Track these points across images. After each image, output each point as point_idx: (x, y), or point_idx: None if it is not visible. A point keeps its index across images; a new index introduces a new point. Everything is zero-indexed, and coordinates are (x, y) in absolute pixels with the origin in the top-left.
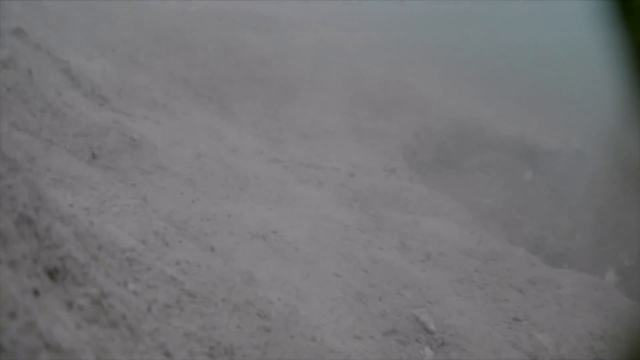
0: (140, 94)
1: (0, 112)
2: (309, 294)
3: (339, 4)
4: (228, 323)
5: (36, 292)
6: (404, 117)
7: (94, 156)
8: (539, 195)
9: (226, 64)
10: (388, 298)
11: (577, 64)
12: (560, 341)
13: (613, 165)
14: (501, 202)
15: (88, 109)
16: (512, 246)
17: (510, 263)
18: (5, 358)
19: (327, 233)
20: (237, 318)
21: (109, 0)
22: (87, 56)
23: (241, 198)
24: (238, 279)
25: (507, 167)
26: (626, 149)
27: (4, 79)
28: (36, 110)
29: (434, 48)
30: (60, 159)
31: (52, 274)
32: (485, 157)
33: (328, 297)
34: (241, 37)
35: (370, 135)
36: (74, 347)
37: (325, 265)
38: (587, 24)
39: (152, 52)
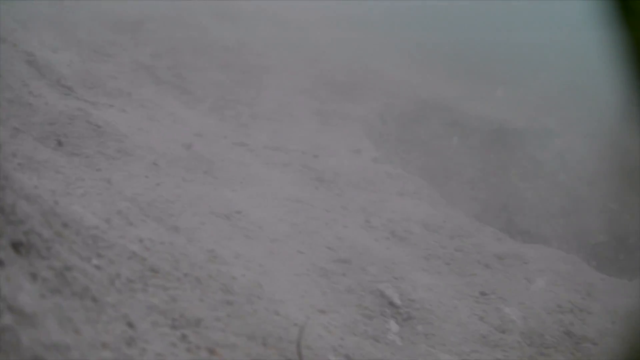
0: (105, 83)
1: None
2: (273, 271)
3: (318, 3)
4: (191, 296)
5: (1, 263)
6: (369, 99)
7: (59, 143)
8: (507, 173)
9: (190, 53)
10: (353, 274)
11: (547, 45)
12: (529, 314)
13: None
14: (468, 180)
15: (54, 98)
16: (479, 223)
17: (477, 239)
18: None
19: (292, 213)
20: (200, 292)
21: None
22: (52, 48)
23: (206, 181)
24: (201, 256)
25: (474, 146)
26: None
27: None
28: (3, 100)
29: (400, 33)
30: (27, 146)
31: (17, 247)
32: (451, 136)
33: (292, 273)
34: (205, 27)
35: (335, 118)
36: (37, 312)
37: (289, 243)
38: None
39: (118, 43)
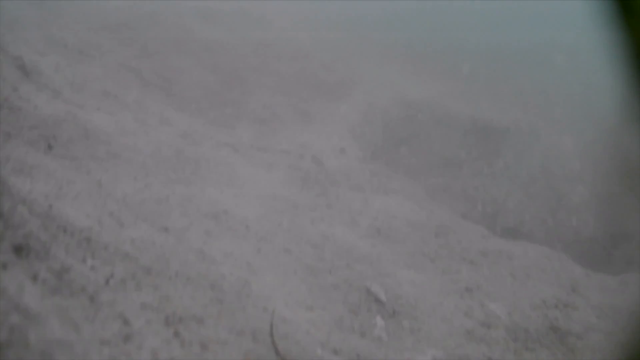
0: (92, 86)
1: None
2: (260, 269)
3: (300, 3)
4: (182, 295)
5: (4, 266)
6: (353, 99)
7: (49, 147)
8: (492, 171)
9: (175, 54)
10: (339, 271)
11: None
12: (514, 310)
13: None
14: (453, 179)
15: (42, 102)
16: (464, 220)
17: (462, 236)
18: None
19: (277, 212)
20: (191, 290)
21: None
22: (40, 52)
23: (193, 181)
24: (191, 256)
25: (458, 145)
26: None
27: None
28: None
29: (383, 32)
30: (19, 150)
31: (18, 250)
32: (435, 135)
33: (279, 271)
34: (190, 28)
35: (320, 118)
36: (40, 312)
37: (275, 242)
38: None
39: (103, 45)
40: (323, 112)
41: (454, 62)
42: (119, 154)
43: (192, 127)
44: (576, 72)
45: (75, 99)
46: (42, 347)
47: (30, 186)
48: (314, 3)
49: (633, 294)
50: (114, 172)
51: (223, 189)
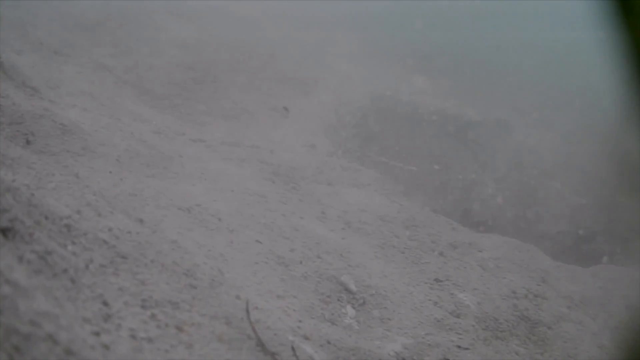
0: (68, 84)
1: None
2: (232, 259)
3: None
4: (158, 280)
5: None
6: (323, 95)
7: (28, 142)
8: (463, 165)
9: (149, 52)
10: (309, 262)
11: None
12: (483, 300)
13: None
14: (423, 172)
15: (20, 99)
16: (434, 213)
17: (431, 229)
18: None
19: (249, 205)
20: (166, 276)
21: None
22: (17, 51)
23: (166, 176)
24: (165, 245)
25: (429, 139)
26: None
27: None
28: None
29: (356, 32)
30: (0, 144)
31: (5, 232)
32: (406, 129)
33: (251, 261)
34: (163, 26)
35: (291, 114)
36: (28, 287)
37: (247, 234)
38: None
39: (78, 44)
40: (294, 108)
41: (428, 60)
42: (94, 149)
43: (165, 124)
44: (562, 70)
45: (52, 97)
46: (31, 316)
47: (12, 177)
48: (288, 1)
49: (603, 285)
50: (90, 166)
51: (196, 183)
